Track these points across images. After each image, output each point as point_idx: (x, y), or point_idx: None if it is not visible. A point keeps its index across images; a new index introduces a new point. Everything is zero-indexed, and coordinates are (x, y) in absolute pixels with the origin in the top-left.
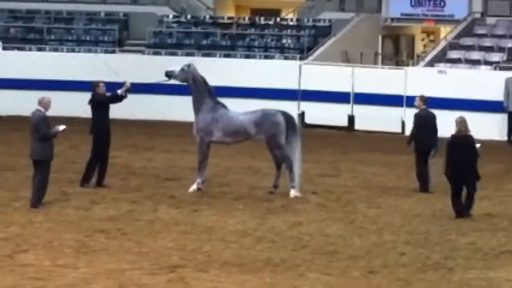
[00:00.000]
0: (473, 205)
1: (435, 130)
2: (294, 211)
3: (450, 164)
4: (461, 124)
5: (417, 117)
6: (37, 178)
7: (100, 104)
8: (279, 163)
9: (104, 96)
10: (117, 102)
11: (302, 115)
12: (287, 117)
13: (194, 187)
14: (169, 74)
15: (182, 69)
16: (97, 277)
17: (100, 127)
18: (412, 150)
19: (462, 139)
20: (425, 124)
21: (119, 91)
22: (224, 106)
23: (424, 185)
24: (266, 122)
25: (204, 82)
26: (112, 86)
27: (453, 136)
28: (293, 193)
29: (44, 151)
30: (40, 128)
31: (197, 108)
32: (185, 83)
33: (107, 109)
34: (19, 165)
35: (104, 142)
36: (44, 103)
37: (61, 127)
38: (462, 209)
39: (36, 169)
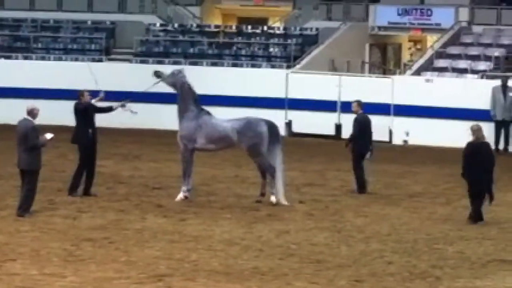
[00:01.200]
0: (480, 212)
1: (371, 134)
2: (281, 220)
3: (467, 170)
4: (479, 131)
5: (357, 121)
6: (25, 188)
7: (84, 113)
8: (264, 171)
9: (89, 104)
10: (104, 113)
11: (289, 123)
12: (271, 126)
13: (180, 196)
14: (158, 74)
15: (173, 73)
16: (84, 286)
17: (82, 135)
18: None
19: (480, 146)
20: (364, 129)
21: (114, 106)
22: (208, 113)
23: (362, 187)
24: (249, 131)
25: (191, 89)
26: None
27: (470, 143)
28: (273, 199)
29: (32, 160)
30: (30, 138)
31: (181, 115)
32: (171, 88)
33: (91, 118)
34: (5, 174)
35: (89, 151)
36: (33, 113)
37: (49, 136)
38: (479, 214)
39: (24, 178)
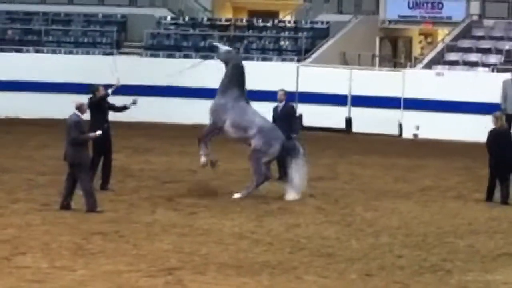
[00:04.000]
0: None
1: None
2: (291, 213)
3: (490, 156)
4: (502, 119)
5: (293, 108)
6: (78, 183)
7: (98, 107)
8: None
9: (103, 99)
10: (117, 111)
11: (299, 117)
12: (289, 147)
13: (203, 159)
14: (215, 47)
15: (228, 51)
16: (94, 279)
17: (97, 129)
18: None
19: (504, 133)
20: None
21: (127, 104)
22: (247, 101)
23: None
24: (266, 137)
25: (242, 74)
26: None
27: (493, 130)
28: (236, 196)
29: (77, 154)
30: (71, 132)
31: (220, 91)
32: (223, 63)
33: (106, 112)
34: (16, 167)
35: (103, 145)
36: (81, 108)
37: (97, 133)
38: (492, 195)
39: (71, 171)
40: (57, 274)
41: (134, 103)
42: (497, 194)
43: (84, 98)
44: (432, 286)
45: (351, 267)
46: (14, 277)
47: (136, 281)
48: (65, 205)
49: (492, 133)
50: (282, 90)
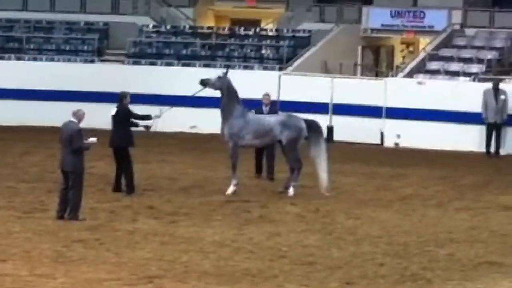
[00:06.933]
0: None
1: None
2: (272, 221)
3: None
4: None
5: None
6: (72, 191)
7: (128, 117)
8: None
9: (130, 110)
10: (141, 120)
11: None
12: (310, 123)
13: (231, 189)
14: (205, 82)
15: (219, 77)
16: (75, 287)
17: (131, 137)
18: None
19: None
20: None
21: (153, 115)
22: (250, 111)
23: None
24: (291, 124)
25: (234, 90)
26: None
27: None
28: (291, 192)
29: (76, 162)
30: (75, 141)
31: (227, 114)
32: (218, 91)
33: (129, 121)
34: None
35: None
36: (79, 115)
37: (93, 139)
38: None
39: (67, 180)
40: (38, 281)
41: (157, 117)
42: None
43: (64, 105)
44: None
45: (332, 276)
46: None
47: None
48: (61, 216)
49: None
50: (267, 94)
